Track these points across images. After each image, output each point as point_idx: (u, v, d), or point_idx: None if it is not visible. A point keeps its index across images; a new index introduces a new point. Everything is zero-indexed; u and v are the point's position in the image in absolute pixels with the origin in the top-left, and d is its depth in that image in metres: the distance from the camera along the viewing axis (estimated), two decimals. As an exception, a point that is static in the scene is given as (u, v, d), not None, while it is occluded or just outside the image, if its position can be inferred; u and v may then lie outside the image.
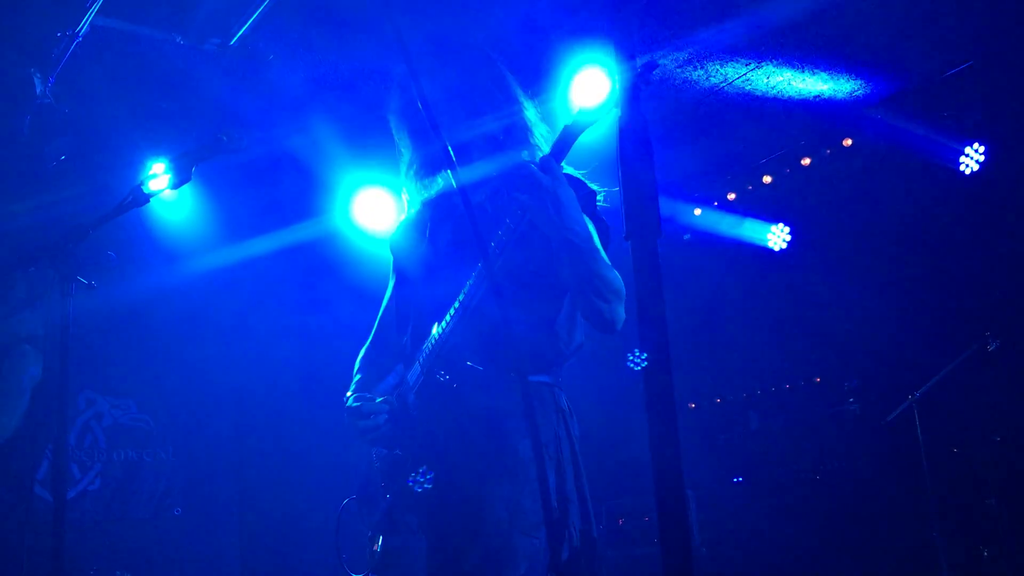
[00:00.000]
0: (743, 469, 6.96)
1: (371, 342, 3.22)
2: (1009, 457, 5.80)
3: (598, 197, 2.90)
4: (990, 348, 5.83)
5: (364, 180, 6.62)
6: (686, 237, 8.04)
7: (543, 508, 2.54)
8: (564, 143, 2.65)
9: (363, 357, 3.20)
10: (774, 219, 7.53)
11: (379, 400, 2.92)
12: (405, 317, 3.08)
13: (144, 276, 6.31)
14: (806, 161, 7.20)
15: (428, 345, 2.83)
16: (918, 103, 6.55)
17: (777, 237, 7.52)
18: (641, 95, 1.50)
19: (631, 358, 2.69)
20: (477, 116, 2.91)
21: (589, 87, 5.56)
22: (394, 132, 3.18)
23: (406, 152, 3.12)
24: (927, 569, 5.78)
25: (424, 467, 2.73)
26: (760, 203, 7.60)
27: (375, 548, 2.94)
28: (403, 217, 3.26)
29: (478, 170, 2.89)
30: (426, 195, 3.08)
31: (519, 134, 2.96)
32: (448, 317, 2.76)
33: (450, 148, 2.25)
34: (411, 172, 3.10)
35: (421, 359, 2.85)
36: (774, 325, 7.40)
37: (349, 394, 3.03)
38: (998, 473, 5.81)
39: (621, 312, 2.72)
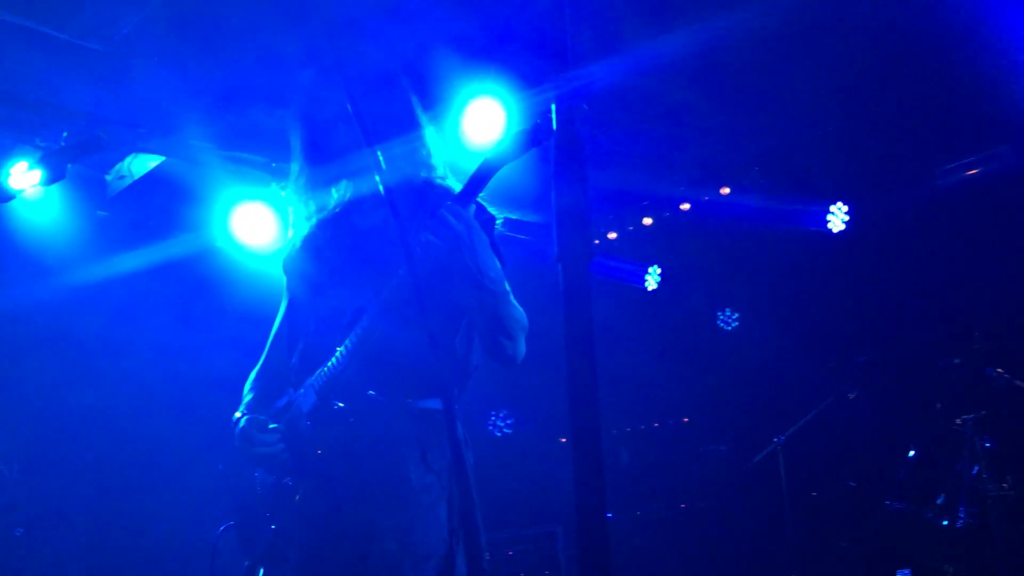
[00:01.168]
0: (612, 505, 7.01)
1: (262, 364, 3.07)
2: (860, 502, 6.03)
3: (497, 223, 2.87)
4: (850, 397, 6.08)
5: (242, 195, 6.43)
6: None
7: (433, 540, 2.52)
8: (479, 180, 2.62)
9: (254, 378, 3.05)
10: (650, 260, 7.69)
11: (272, 427, 2.78)
12: (295, 338, 2.97)
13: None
14: (685, 206, 7.38)
15: (323, 371, 2.72)
16: (788, 164, 6.80)
17: (651, 278, 7.68)
18: (577, 115, 1.49)
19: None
20: (382, 135, 2.82)
21: (481, 118, 5.59)
22: (292, 145, 3.07)
23: (296, 164, 3.03)
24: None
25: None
26: (639, 243, 7.75)
27: None
28: (291, 234, 3.12)
29: (371, 187, 2.79)
30: (316, 212, 2.98)
31: (421, 156, 2.91)
32: (347, 343, 2.67)
33: (380, 156, 2.18)
34: (300, 186, 3.01)
35: (317, 385, 2.73)
36: (646, 363, 7.52)
37: (239, 415, 2.87)
38: (850, 517, 6.04)
39: (523, 345, 2.73)
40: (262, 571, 2.73)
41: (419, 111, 3.00)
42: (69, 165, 3.10)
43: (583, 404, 1.39)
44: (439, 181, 2.89)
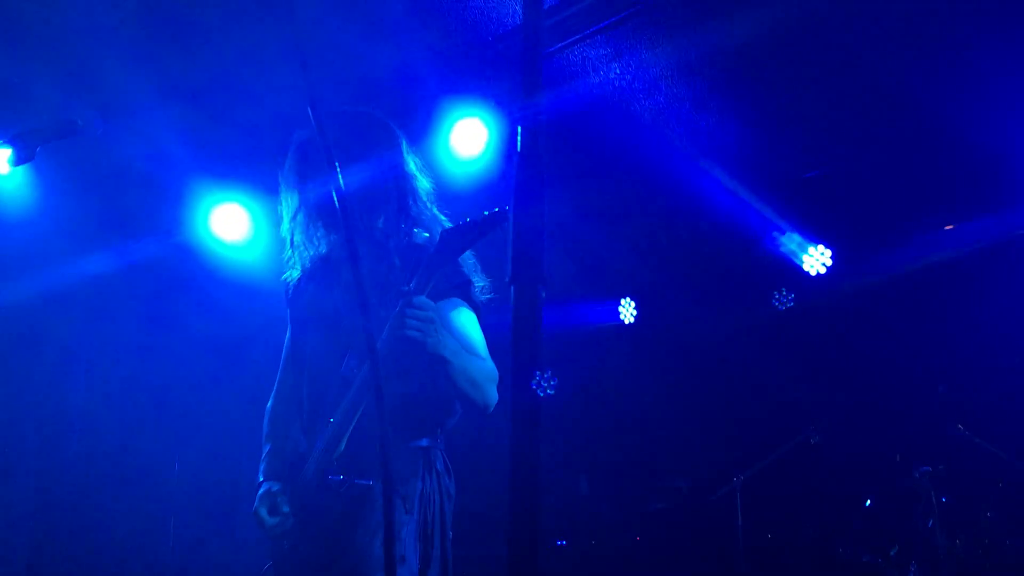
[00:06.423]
0: (567, 533, 6.93)
1: (275, 397, 3.30)
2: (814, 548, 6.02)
3: (476, 286, 3.08)
4: (812, 441, 6.07)
5: (219, 196, 6.37)
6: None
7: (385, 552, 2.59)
8: (439, 262, 2.79)
9: (270, 416, 3.27)
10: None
11: (285, 510, 3.01)
12: (300, 372, 3.16)
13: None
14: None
15: (327, 429, 2.90)
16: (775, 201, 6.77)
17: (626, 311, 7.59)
18: (539, 140, 1.49)
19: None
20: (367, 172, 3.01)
21: (467, 137, 5.61)
22: (282, 180, 3.21)
23: (292, 198, 3.16)
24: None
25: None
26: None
27: None
28: (293, 267, 3.26)
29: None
30: (314, 250, 3.16)
31: (406, 197, 3.10)
32: (345, 402, 2.87)
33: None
34: (297, 223, 3.15)
35: (318, 450, 2.93)
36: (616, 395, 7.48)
37: (261, 480, 3.11)
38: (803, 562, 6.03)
39: (494, 394, 2.92)
40: None
41: (406, 149, 3.17)
42: (39, 147, 3.06)
43: (525, 431, 1.37)
44: (422, 240, 3.07)
